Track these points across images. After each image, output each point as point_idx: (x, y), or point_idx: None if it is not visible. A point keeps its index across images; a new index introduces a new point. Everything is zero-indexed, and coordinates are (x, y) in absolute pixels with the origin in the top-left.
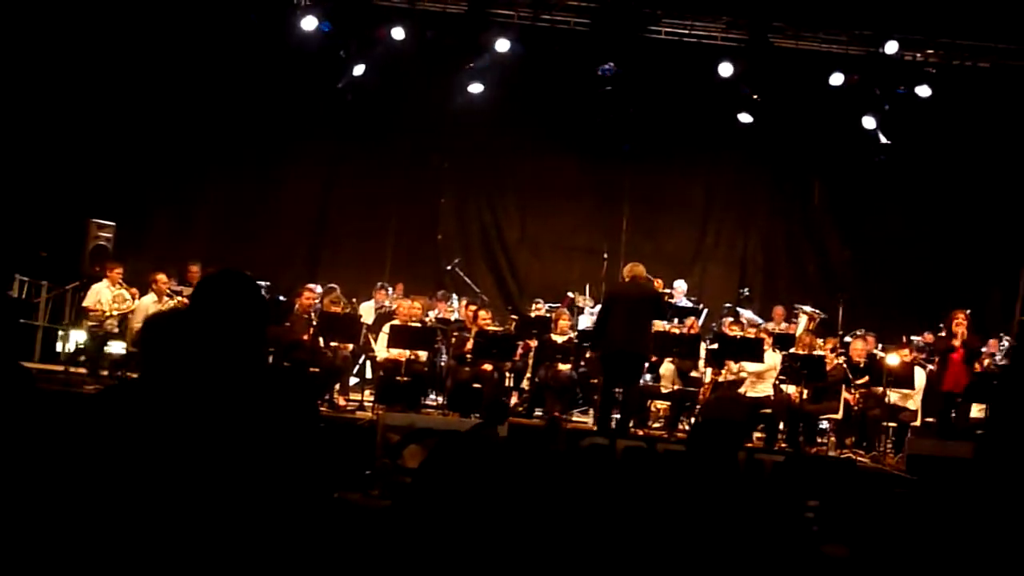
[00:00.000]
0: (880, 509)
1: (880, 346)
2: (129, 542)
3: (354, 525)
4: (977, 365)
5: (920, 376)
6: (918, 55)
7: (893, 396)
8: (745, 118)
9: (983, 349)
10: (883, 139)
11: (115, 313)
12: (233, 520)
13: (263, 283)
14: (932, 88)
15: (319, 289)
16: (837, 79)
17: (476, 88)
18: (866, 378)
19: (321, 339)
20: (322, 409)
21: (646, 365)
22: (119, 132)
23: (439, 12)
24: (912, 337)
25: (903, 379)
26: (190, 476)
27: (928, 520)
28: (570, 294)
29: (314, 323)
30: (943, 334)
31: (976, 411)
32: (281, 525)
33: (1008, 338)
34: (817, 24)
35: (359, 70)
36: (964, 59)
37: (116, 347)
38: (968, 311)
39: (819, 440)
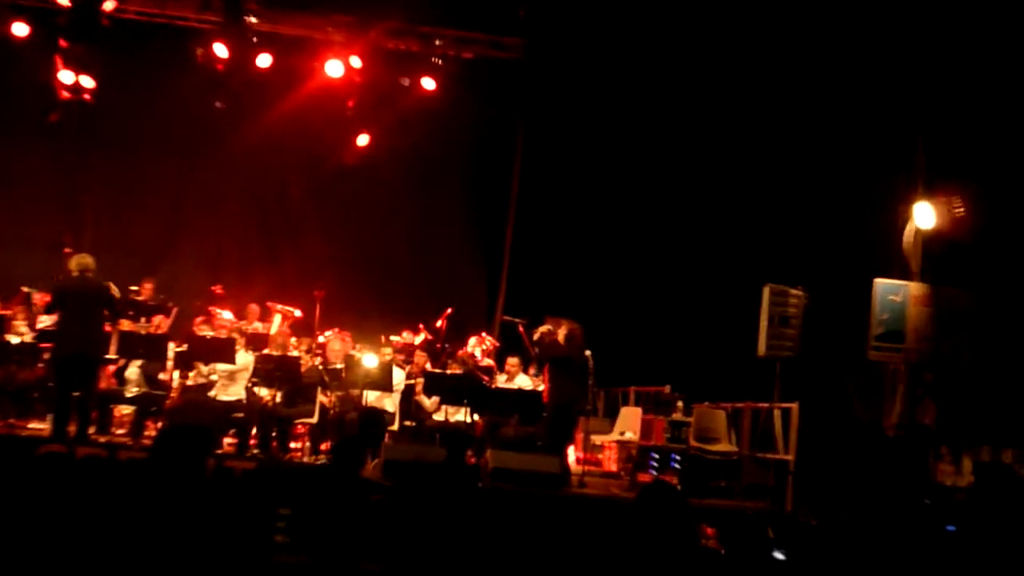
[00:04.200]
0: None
1: (357, 346)
2: None
3: None
4: (452, 365)
5: (399, 377)
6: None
7: (371, 398)
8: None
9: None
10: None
11: None
12: None
13: None
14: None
15: None
16: (336, 68)
17: None
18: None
19: None
20: None
21: (111, 368)
22: None
23: None
24: (392, 337)
25: (381, 381)
26: None
27: (402, 526)
28: (25, 289)
29: None
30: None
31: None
32: None
33: (490, 337)
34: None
35: None
36: (447, 49)
37: None
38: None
39: (293, 445)
